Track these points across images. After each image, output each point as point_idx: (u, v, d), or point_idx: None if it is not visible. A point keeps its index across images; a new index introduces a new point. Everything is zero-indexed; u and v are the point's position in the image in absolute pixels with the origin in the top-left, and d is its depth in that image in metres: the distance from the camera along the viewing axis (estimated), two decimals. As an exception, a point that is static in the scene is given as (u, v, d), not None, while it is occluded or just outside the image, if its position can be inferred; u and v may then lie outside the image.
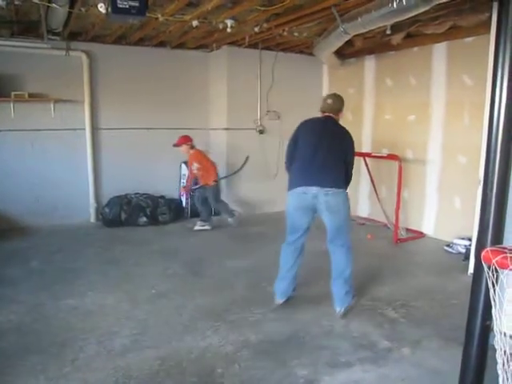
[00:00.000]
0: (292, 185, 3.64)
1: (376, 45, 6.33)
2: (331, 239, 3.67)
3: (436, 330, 3.39)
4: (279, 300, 3.80)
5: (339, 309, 3.62)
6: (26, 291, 4.08)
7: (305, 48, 6.93)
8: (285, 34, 5.70)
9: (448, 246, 5.42)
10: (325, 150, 3.63)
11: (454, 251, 5.31)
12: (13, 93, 6.00)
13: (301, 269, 3.85)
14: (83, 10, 4.62)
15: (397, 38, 5.77)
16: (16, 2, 4.34)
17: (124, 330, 3.38)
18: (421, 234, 6.05)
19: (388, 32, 5.35)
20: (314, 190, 3.50)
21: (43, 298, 3.93)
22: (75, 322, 3.50)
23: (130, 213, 6.55)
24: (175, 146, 6.17)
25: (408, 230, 6.10)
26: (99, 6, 4.18)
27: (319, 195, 3.49)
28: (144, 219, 6.58)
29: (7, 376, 2.77)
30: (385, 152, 6.41)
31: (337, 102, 4.09)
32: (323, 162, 3.58)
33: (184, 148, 6.18)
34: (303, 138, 3.76)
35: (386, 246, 5.66)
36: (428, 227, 6.05)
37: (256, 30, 5.45)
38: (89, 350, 3.05)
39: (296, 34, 5.76)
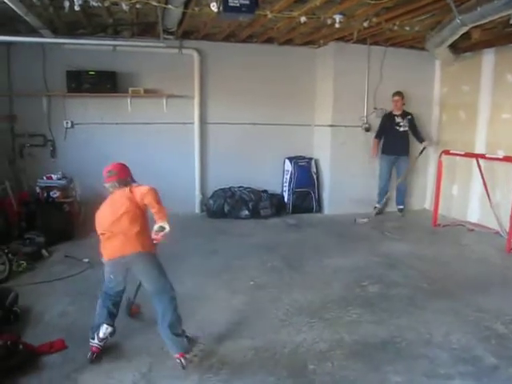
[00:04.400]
0: None
1: (496, 37, 5.83)
2: None
3: (552, 351, 3.08)
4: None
5: None
6: (132, 273, 4.38)
7: (416, 43, 6.61)
8: (395, 28, 5.49)
9: None
10: None
11: None
12: (130, 89, 6.49)
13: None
14: (196, 9, 4.83)
15: (522, 29, 5.29)
16: (137, 6, 4.66)
17: (221, 317, 3.50)
18: (539, 245, 5.51)
19: (512, 21, 4.92)
20: None
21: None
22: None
23: (233, 205, 6.77)
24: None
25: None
26: (212, 5, 4.34)
27: None
28: (246, 212, 6.76)
29: (114, 349, 3.03)
30: (500, 154, 5.92)
31: None
32: None
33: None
34: None
35: (497, 255, 5.24)
36: (548, 237, 5.50)
37: (365, 24, 5.31)
38: (188, 334, 3.20)
39: (407, 28, 5.51)
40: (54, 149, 6.48)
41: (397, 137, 6.80)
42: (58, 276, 4.28)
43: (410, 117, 6.82)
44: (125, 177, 3.18)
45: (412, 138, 6.94)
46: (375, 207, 7.00)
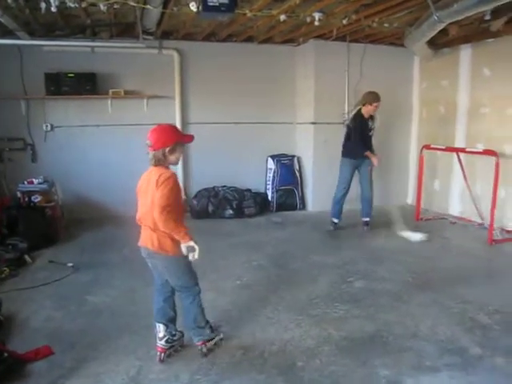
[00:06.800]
0: None
1: (473, 32, 5.93)
2: None
3: (534, 340, 3.15)
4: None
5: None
6: (119, 276, 4.37)
7: (395, 39, 6.68)
8: (374, 25, 5.54)
9: (551, 249, 4.99)
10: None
11: (557, 255, 4.89)
12: (110, 90, 6.43)
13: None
14: (175, 9, 4.81)
15: (497, 24, 5.37)
16: (115, 6, 4.62)
17: (208, 318, 3.48)
18: (519, 236, 5.63)
19: (487, 18, 5.01)
20: None
21: (134, 283, 4.16)
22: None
23: (216, 205, 6.76)
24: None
25: (504, 230, 5.69)
26: (191, 4, 4.34)
27: None
28: (230, 212, 6.76)
29: (102, 353, 3.00)
30: (480, 147, 6.02)
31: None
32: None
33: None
34: None
35: (479, 247, 5.33)
36: (528, 228, 5.62)
37: (344, 22, 5.34)
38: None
39: (386, 24, 5.57)
40: (34, 153, 6.40)
41: (367, 141, 5.90)
42: (43, 281, 4.21)
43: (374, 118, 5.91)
44: (161, 147, 2.71)
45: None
46: (334, 223, 6.04)
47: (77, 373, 2.77)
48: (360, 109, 5.74)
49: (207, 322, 3.01)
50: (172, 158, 2.77)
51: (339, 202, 5.99)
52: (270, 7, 4.89)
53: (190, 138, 2.93)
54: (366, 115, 5.73)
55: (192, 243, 2.65)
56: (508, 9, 4.81)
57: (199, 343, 2.95)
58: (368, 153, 5.70)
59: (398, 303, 3.76)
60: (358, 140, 5.69)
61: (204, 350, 2.94)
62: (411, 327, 3.34)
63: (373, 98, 5.64)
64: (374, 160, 5.71)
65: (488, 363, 2.87)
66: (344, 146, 5.94)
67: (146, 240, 2.80)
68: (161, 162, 2.74)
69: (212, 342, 2.99)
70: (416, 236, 5.53)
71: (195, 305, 2.91)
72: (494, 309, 3.62)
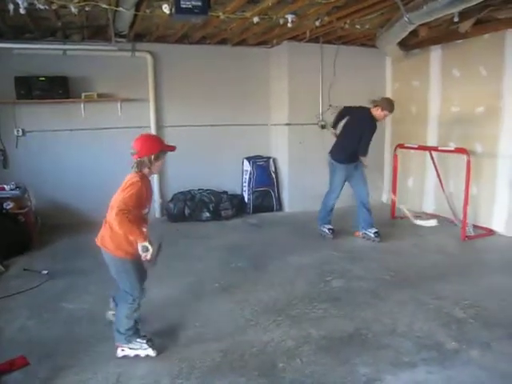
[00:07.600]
0: None
1: (442, 34, 6.07)
2: None
3: (508, 333, 3.23)
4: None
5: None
6: (95, 282, 4.28)
7: (367, 40, 6.77)
8: (346, 26, 5.61)
9: (521, 244, 5.13)
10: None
11: (527, 250, 5.02)
12: (83, 94, 6.33)
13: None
14: (148, 11, 4.78)
15: (465, 26, 5.51)
16: (87, 9, 4.55)
17: (188, 322, 3.48)
18: (490, 232, 5.76)
19: (455, 19, 5.12)
20: None
21: (111, 288, 4.09)
22: (142, 313, 3.63)
23: (193, 208, 6.73)
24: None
25: (476, 227, 5.82)
26: (163, 7, 4.32)
27: None
28: (207, 214, 6.74)
29: (80, 361, 2.95)
30: (452, 146, 6.15)
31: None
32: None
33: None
34: None
35: (452, 244, 5.44)
36: (499, 224, 5.74)
37: (317, 23, 5.39)
38: (154, 340, 3.14)
39: (358, 26, 5.64)
40: (5, 158, 6.24)
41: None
42: (17, 290, 4.11)
43: None
44: (147, 154, 2.84)
45: None
46: (331, 229, 5.72)
47: (53, 383, 2.72)
48: (368, 109, 5.39)
49: (129, 329, 2.99)
50: (157, 164, 2.91)
51: (332, 210, 5.72)
52: (244, 9, 4.90)
53: (173, 147, 3.02)
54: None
55: (146, 243, 2.68)
56: (475, 11, 4.94)
57: (117, 344, 3.02)
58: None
59: (376, 301, 3.82)
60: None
61: (118, 352, 3.00)
62: (389, 324, 3.39)
63: (388, 105, 5.31)
64: (366, 161, 5.45)
65: (464, 356, 2.94)
66: (343, 150, 5.48)
67: (100, 236, 2.94)
68: (144, 168, 2.86)
69: (131, 352, 3.00)
70: (431, 222, 5.63)
71: (125, 311, 2.98)
72: (468, 303, 3.71)
